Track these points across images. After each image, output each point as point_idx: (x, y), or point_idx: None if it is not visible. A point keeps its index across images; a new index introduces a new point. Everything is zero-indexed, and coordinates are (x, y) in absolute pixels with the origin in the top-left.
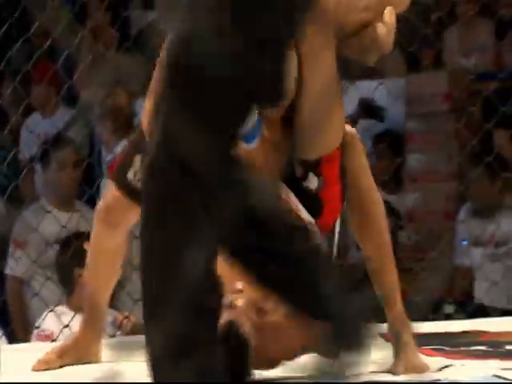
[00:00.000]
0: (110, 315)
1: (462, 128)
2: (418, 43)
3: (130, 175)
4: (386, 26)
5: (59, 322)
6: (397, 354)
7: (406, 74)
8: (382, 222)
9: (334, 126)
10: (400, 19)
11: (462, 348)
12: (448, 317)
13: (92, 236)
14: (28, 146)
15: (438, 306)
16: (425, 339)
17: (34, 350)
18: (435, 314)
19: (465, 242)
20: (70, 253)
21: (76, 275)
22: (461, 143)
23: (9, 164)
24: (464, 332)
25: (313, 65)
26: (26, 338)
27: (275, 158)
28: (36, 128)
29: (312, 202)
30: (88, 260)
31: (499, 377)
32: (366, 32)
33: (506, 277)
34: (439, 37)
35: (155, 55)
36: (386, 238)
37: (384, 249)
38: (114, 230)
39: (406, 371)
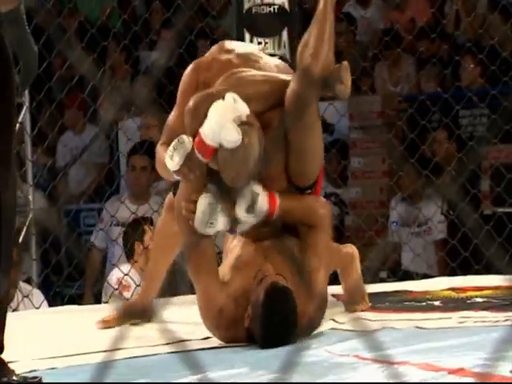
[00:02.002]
0: None
1: (392, 137)
2: (358, 73)
3: None
4: None
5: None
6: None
7: (349, 97)
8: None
9: (319, 162)
10: (345, 54)
11: (393, 304)
12: (382, 280)
13: (160, 221)
14: (63, 157)
15: (375, 272)
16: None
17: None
18: (373, 278)
19: (395, 224)
20: (136, 231)
21: (137, 246)
22: (391, 149)
23: (48, 170)
24: (395, 291)
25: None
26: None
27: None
28: (68, 143)
29: None
30: (155, 238)
31: (420, 328)
32: None
33: (425, 249)
34: (373, 68)
35: (158, 85)
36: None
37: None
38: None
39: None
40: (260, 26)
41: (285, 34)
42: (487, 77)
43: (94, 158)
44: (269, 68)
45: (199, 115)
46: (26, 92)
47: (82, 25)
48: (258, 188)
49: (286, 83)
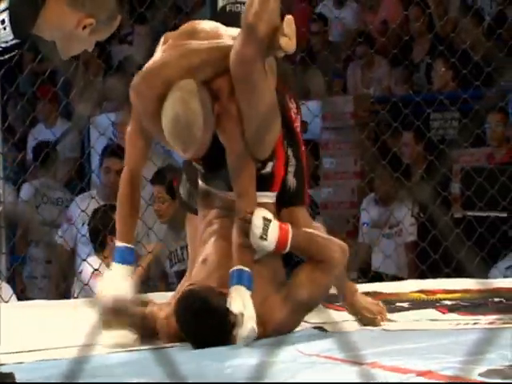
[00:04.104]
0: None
1: (364, 138)
2: (330, 74)
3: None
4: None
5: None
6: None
7: (323, 98)
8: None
9: (275, 130)
10: (317, 57)
11: None
12: (353, 281)
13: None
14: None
15: (346, 273)
16: (335, 298)
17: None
18: None
19: (366, 225)
20: (102, 220)
21: (108, 238)
22: (363, 150)
23: (18, 164)
24: (365, 293)
25: (249, 96)
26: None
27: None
28: (40, 136)
29: (267, 180)
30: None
31: (386, 330)
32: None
33: (396, 251)
34: (346, 70)
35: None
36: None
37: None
38: None
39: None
40: (234, 24)
41: None
42: (459, 80)
43: (65, 153)
44: (215, 35)
45: (142, 92)
46: None
47: None
48: (269, 215)
49: (231, 48)
